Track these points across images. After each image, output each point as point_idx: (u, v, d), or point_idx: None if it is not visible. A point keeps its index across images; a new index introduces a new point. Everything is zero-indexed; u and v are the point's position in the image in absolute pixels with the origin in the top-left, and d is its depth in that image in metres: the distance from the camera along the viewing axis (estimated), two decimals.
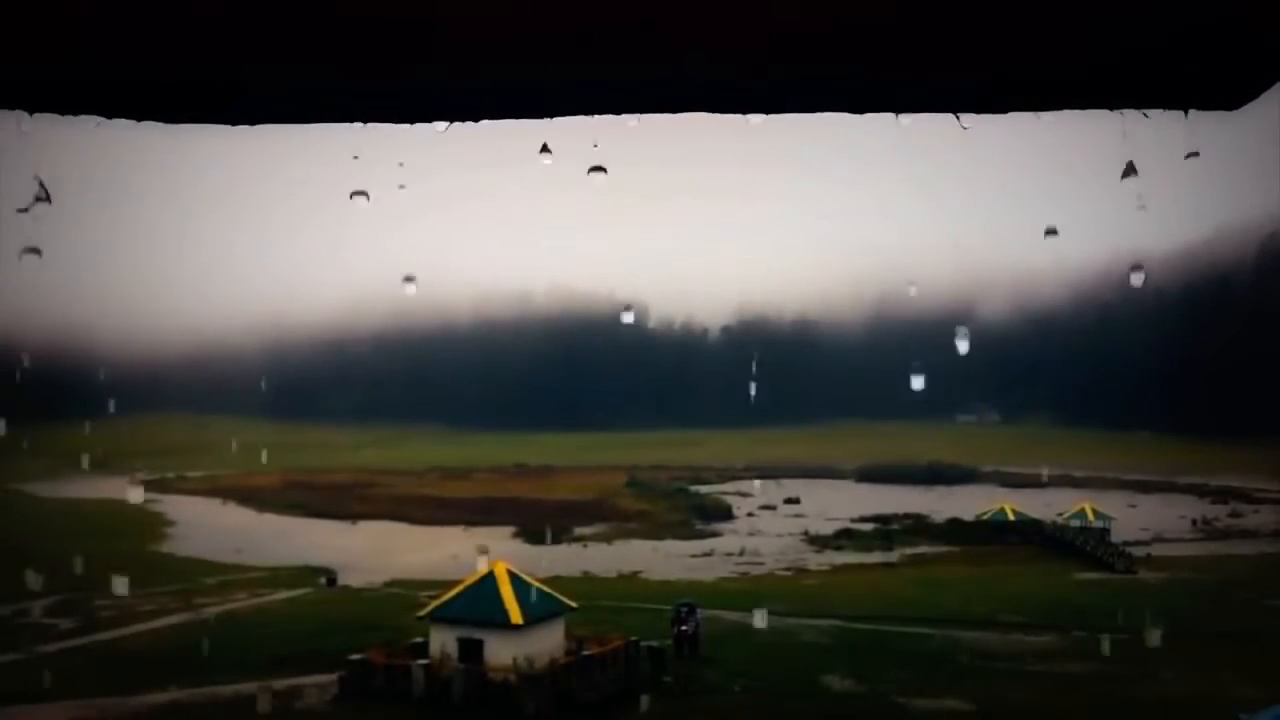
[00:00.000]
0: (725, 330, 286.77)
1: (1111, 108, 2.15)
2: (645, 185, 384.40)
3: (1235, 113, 2.14)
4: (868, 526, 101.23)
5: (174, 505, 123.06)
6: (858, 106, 2.15)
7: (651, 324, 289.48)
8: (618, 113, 2.17)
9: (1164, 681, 40.12)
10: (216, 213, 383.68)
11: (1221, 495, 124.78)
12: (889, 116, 2.17)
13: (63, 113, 2.14)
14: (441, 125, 2.24)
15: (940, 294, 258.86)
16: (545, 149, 3.04)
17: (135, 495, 65.86)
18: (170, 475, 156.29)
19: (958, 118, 2.15)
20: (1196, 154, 2.31)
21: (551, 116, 2.23)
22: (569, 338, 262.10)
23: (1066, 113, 2.17)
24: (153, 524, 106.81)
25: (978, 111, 2.15)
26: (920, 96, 2.14)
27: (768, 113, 2.18)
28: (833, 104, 2.15)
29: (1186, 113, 2.08)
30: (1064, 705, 39.31)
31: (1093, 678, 42.83)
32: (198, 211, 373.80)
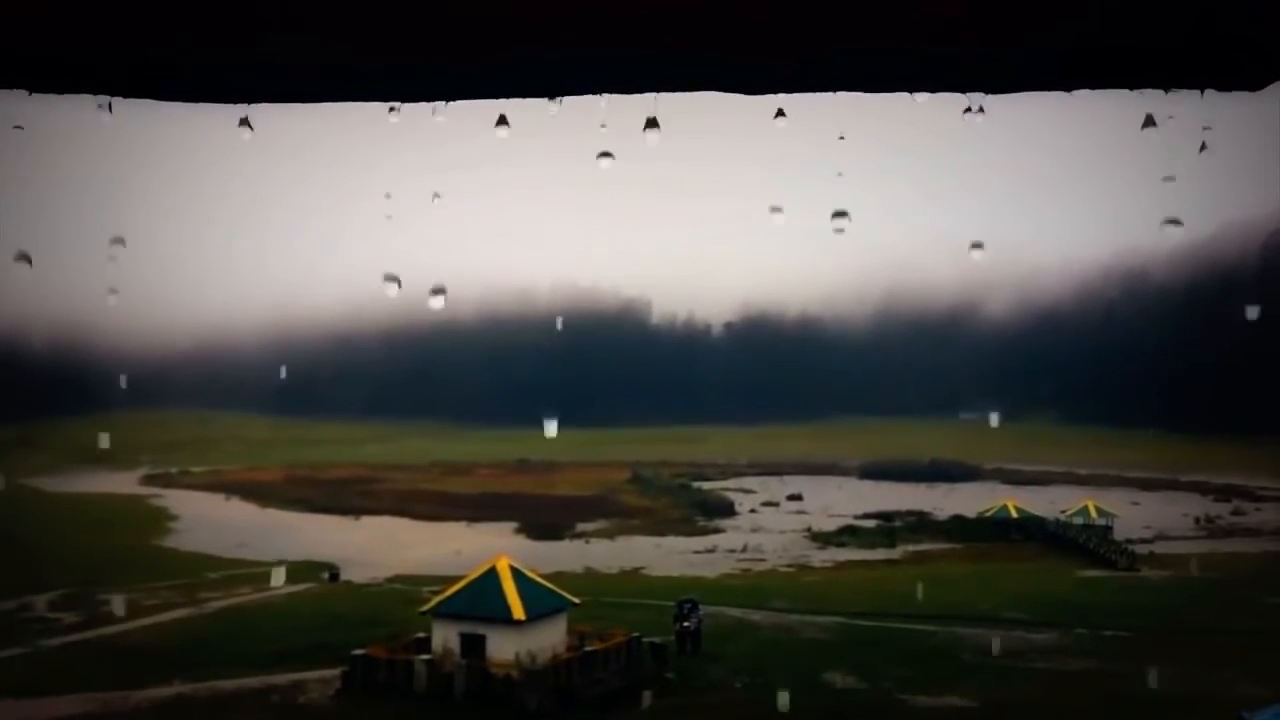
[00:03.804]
0: (728, 326, 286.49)
1: (1131, 88, 2.11)
2: (648, 181, 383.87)
3: (1256, 94, 2.11)
4: (870, 523, 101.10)
5: (178, 500, 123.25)
6: (874, 86, 2.12)
7: (654, 320, 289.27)
8: (628, 92, 2.13)
9: (1166, 679, 40.01)
10: (221, 207, 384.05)
11: (1224, 493, 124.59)
12: (894, 111, 2.14)
13: (61, 92, 2.11)
14: (441, 104, 2.21)
15: (944, 291, 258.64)
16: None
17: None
18: (174, 470, 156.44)
19: (968, 98, 2.12)
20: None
21: (559, 96, 2.19)
22: (572, 334, 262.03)
23: (1082, 94, 2.14)
24: (157, 519, 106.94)
25: (994, 92, 2.12)
26: (937, 75, 2.10)
27: (784, 93, 2.14)
28: (847, 83, 2.12)
29: (1203, 93, 2.05)
30: (1066, 702, 39.25)
31: (1095, 675, 42.78)
32: (201, 205, 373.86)
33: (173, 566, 75.01)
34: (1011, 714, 38.40)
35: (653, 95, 2.22)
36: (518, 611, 39.56)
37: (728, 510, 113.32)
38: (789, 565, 79.01)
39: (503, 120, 2.74)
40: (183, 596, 62.69)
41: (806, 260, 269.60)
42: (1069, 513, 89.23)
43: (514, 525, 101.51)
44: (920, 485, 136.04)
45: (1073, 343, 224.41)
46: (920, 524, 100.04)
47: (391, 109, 2.27)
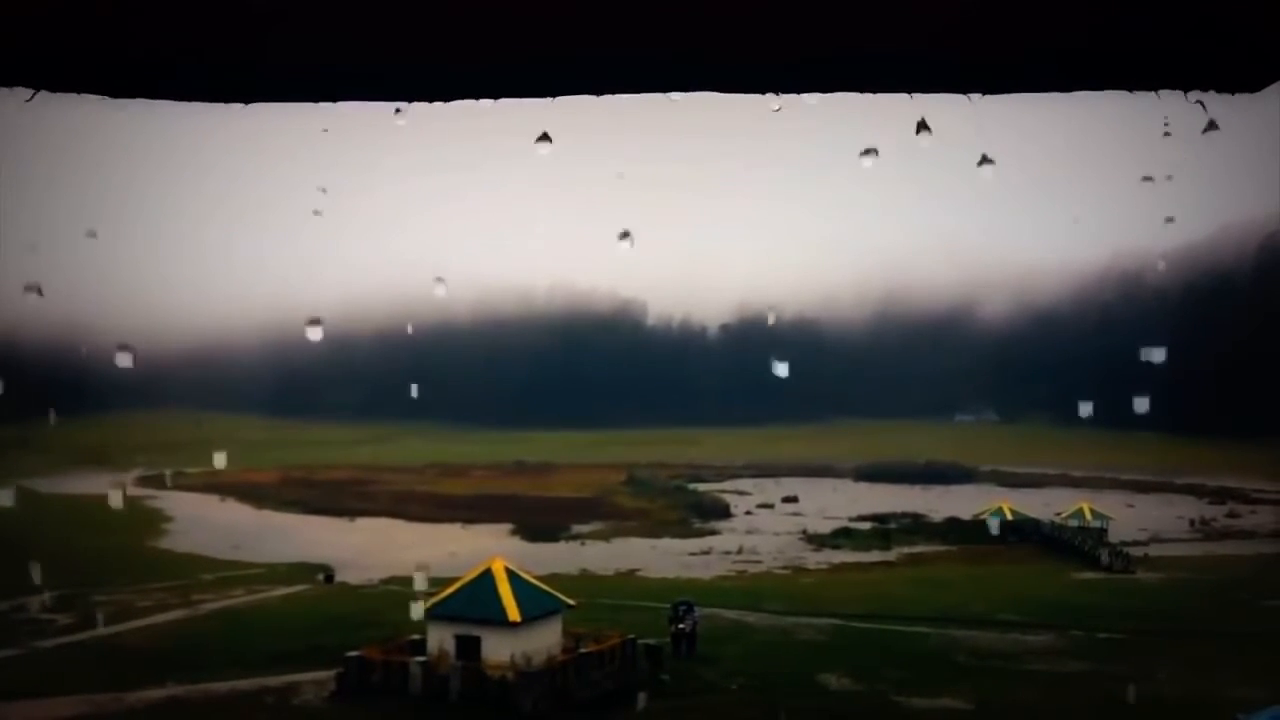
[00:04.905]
0: (724, 328, 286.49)
1: (1130, 89, 2.11)
2: (646, 182, 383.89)
3: (1255, 95, 2.11)
4: (866, 525, 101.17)
5: (172, 501, 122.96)
6: (871, 86, 2.12)
7: (650, 321, 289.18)
8: (621, 93, 2.13)
9: (1161, 681, 40.10)
10: (217, 208, 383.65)
11: (1219, 495, 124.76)
12: (893, 112, 2.15)
13: (54, 90, 2.11)
14: (439, 103, 2.22)
15: (941, 293, 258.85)
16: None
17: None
18: (169, 471, 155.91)
19: (969, 98, 2.13)
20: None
21: (553, 96, 2.19)
22: (569, 335, 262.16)
23: (1082, 94, 2.14)
24: (151, 520, 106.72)
25: (994, 92, 2.12)
26: (934, 76, 2.10)
27: (776, 92, 2.14)
28: (846, 84, 2.12)
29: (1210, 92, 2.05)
30: (1061, 705, 39.29)
31: (1090, 677, 42.82)
32: (198, 206, 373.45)
33: (167, 568, 74.89)
34: (1006, 716, 38.44)
35: (650, 95, 2.22)
36: (513, 613, 39.54)
37: (723, 512, 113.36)
38: (784, 567, 79.03)
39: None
40: (177, 598, 62.57)
41: (804, 262, 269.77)
42: (1064, 515, 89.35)
43: (509, 527, 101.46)
44: (915, 487, 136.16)
45: (1070, 344, 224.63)
46: (915, 526, 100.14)
47: (398, 110, 2.28)
